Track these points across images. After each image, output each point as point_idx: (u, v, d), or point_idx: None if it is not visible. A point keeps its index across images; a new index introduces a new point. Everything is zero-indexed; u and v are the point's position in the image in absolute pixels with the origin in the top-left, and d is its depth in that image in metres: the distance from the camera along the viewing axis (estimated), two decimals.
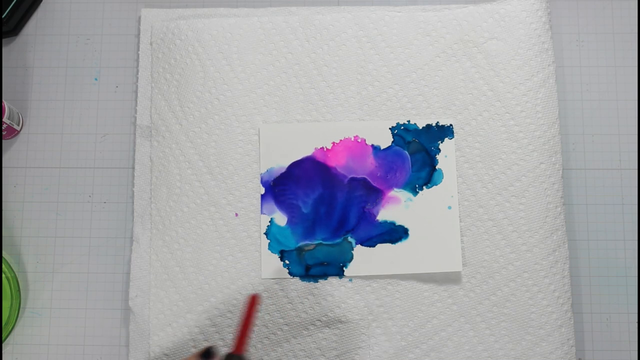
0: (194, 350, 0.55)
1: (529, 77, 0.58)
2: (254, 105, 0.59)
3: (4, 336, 0.55)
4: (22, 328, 0.57)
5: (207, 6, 0.62)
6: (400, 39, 0.60)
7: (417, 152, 0.58)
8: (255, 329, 0.55)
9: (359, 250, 0.56)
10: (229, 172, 0.58)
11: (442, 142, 0.58)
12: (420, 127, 0.58)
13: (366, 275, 0.56)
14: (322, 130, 0.58)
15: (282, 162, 0.58)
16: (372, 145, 0.58)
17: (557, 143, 0.58)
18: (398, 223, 0.57)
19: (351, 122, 0.58)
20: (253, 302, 0.48)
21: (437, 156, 0.58)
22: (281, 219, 0.57)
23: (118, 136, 0.60)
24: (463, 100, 0.58)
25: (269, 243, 0.56)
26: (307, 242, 0.56)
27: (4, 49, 0.62)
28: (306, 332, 0.56)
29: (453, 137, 0.58)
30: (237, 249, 0.57)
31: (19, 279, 0.57)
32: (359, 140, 0.58)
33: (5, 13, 0.60)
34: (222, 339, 0.55)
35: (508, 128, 0.58)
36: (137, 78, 0.60)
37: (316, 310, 0.56)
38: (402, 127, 0.58)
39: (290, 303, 0.56)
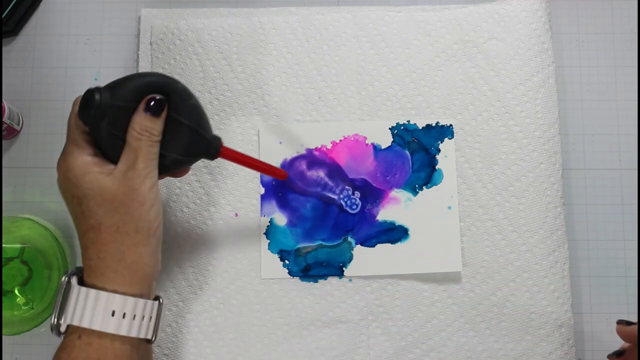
0: (194, 350, 0.55)
1: (529, 77, 0.58)
2: (254, 105, 0.59)
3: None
4: None
5: (207, 6, 0.62)
6: (400, 39, 0.60)
7: (417, 152, 0.58)
8: (255, 328, 0.55)
9: (359, 251, 0.56)
10: (229, 172, 0.58)
11: (442, 142, 0.58)
12: (420, 127, 0.58)
13: (366, 276, 0.56)
14: (321, 130, 0.58)
15: (282, 162, 0.58)
16: (373, 145, 0.58)
17: (557, 143, 0.58)
18: (398, 223, 0.57)
19: (351, 122, 0.58)
20: (278, 172, 0.54)
21: (437, 156, 0.58)
22: (281, 219, 0.57)
23: None
24: (463, 100, 0.58)
25: (269, 243, 0.56)
26: (307, 244, 0.56)
27: (4, 49, 0.62)
28: (306, 332, 0.56)
29: (453, 137, 0.58)
30: (237, 249, 0.57)
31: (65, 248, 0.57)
32: (359, 140, 0.58)
33: (5, 13, 0.60)
34: (221, 338, 0.55)
35: (508, 128, 0.58)
36: None
37: (316, 310, 0.56)
38: (402, 127, 0.58)
39: (290, 303, 0.56)
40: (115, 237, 0.42)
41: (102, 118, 0.42)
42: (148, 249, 0.43)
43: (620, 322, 0.48)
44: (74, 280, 0.43)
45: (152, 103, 0.43)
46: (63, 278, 0.43)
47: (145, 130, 0.43)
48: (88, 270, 0.43)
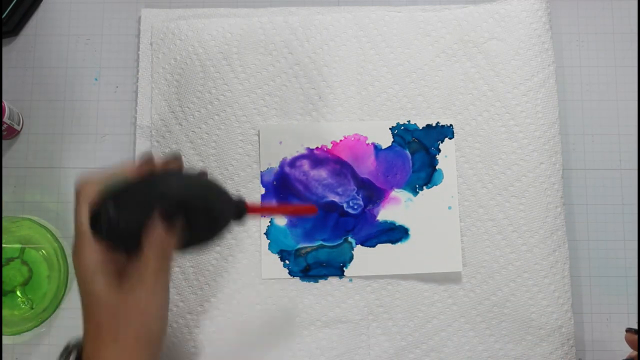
0: (194, 350, 0.55)
1: (529, 77, 0.58)
2: (254, 105, 0.59)
3: (52, 307, 0.56)
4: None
5: (207, 6, 0.62)
6: (400, 39, 0.59)
7: (417, 152, 0.58)
8: (255, 328, 0.55)
9: (359, 251, 0.56)
10: (229, 173, 0.58)
11: (442, 142, 0.58)
12: (421, 127, 0.58)
13: (366, 276, 0.56)
14: (322, 131, 0.58)
15: (282, 162, 0.58)
16: (374, 145, 0.58)
17: (557, 143, 0.58)
18: (398, 223, 0.57)
19: (351, 122, 0.58)
20: (307, 209, 0.51)
21: (437, 156, 0.58)
22: (281, 219, 0.57)
23: (118, 136, 0.60)
24: (463, 100, 0.58)
25: (269, 243, 0.56)
26: (307, 244, 0.56)
27: (4, 49, 0.62)
28: (306, 332, 0.56)
29: (453, 137, 0.58)
30: (237, 249, 0.57)
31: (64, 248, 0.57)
32: (360, 140, 0.58)
33: (5, 13, 0.60)
34: (221, 338, 0.55)
35: (508, 128, 0.58)
36: (137, 78, 0.60)
37: (316, 310, 0.56)
38: (402, 127, 0.58)
39: (290, 303, 0.56)
40: (113, 346, 0.40)
41: (114, 234, 0.41)
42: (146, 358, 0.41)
43: (629, 331, 0.48)
44: (72, 358, 0.43)
45: (166, 219, 0.41)
46: (61, 356, 0.43)
47: (160, 247, 0.41)
48: (85, 357, 0.41)
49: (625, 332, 0.48)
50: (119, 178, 0.42)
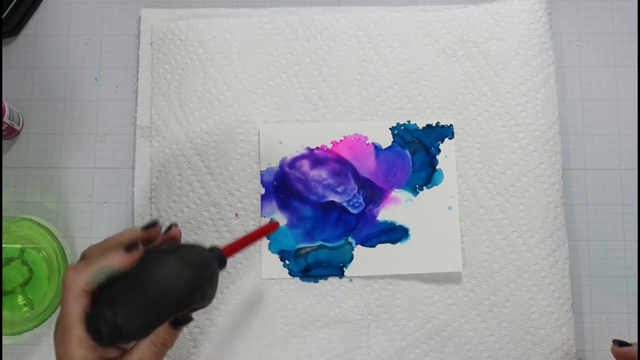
0: (194, 351, 0.55)
1: (529, 77, 0.58)
2: (254, 105, 0.59)
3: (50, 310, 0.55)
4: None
5: (207, 6, 0.62)
6: (400, 39, 0.60)
7: (417, 152, 0.58)
8: (255, 328, 0.55)
9: (359, 251, 0.56)
10: (229, 173, 0.58)
11: (442, 142, 0.58)
12: (421, 127, 0.58)
13: (366, 276, 0.56)
14: (322, 131, 0.58)
15: (282, 162, 0.58)
16: (374, 145, 0.58)
17: (557, 143, 0.58)
18: (398, 223, 0.57)
19: (351, 122, 0.58)
20: (270, 227, 0.51)
21: (437, 156, 0.58)
22: (281, 219, 0.57)
23: (118, 136, 0.60)
24: (463, 100, 0.58)
25: (269, 243, 0.56)
26: (307, 244, 0.56)
27: (4, 49, 0.62)
28: (306, 332, 0.56)
29: (453, 137, 0.58)
30: None
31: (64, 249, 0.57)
32: (360, 140, 0.58)
33: (5, 13, 0.60)
34: (222, 339, 0.55)
35: (508, 128, 0.58)
36: (137, 78, 0.60)
37: (316, 310, 0.56)
38: (402, 127, 0.58)
39: (290, 303, 0.56)
40: None
41: (115, 340, 0.41)
42: None
43: (614, 342, 0.46)
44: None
45: (177, 321, 0.43)
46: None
47: (161, 342, 0.43)
48: None
49: (611, 343, 0.46)
50: (108, 271, 0.41)
